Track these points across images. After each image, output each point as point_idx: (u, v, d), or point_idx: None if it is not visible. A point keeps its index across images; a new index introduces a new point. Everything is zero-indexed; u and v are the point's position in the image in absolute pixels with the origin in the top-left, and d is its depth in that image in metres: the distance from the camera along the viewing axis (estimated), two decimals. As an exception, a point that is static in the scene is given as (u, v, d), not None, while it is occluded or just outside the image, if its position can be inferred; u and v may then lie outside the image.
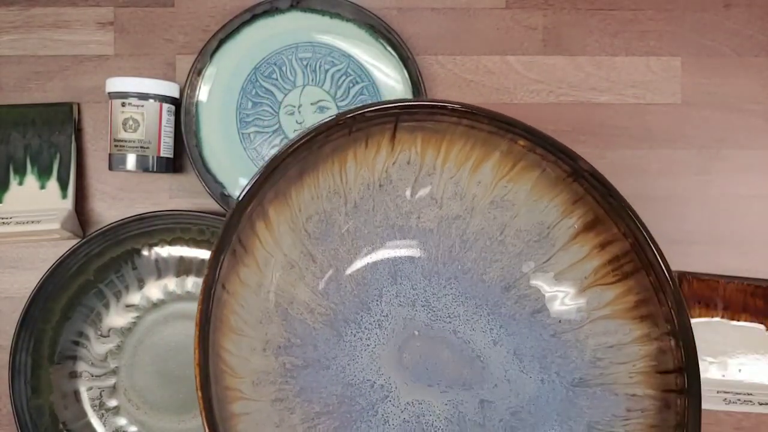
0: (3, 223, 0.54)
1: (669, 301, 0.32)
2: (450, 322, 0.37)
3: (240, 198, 0.32)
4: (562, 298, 0.36)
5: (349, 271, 0.37)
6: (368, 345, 0.36)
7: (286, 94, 0.57)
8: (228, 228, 0.32)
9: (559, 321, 0.36)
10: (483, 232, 0.37)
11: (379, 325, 0.37)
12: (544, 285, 0.36)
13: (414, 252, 0.37)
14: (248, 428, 0.32)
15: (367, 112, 0.33)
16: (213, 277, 0.32)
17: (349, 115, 0.33)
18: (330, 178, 0.36)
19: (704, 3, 0.59)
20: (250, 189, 0.32)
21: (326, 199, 0.37)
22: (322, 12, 0.57)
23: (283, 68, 0.57)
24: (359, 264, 0.37)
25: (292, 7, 0.57)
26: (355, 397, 0.36)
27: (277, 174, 0.34)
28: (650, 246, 0.32)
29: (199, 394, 0.30)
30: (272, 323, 0.36)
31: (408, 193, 0.37)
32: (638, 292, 0.33)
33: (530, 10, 0.59)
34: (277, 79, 0.58)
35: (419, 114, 0.34)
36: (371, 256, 0.37)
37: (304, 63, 0.57)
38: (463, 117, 0.34)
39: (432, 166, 0.37)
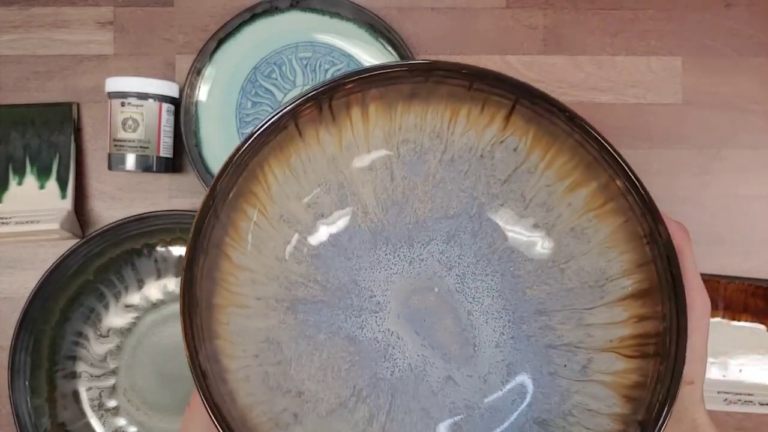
0: (2, 223, 0.53)
1: (661, 397, 0.31)
2: (471, 303, 0.37)
3: (333, 80, 0.33)
4: (581, 349, 0.36)
5: (415, 207, 0.38)
6: (391, 269, 0.37)
7: (285, 94, 0.57)
8: (318, 93, 0.33)
9: (564, 366, 0.36)
10: (551, 252, 0.37)
11: (410, 262, 0.38)
12: (573, 330, 0.36)
13: (481, 232, 0.37)
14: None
15: (493, 74, 0.33)
16: (252, 149, 0.33)
17: (471, 70, 0.33)
18: (438, 119, 0.36)
19: (705, 3, 0.59)
20: (346, 77, 0.33)
21: (428, 135, 0.37)
22: (321, 12, 0.57)
23: (283, 68, 0.57)
24: (428, 208, 0.38)
25: (291, 6, 0.57)
26: (352, 292, 0.37)
27: (384, 78, 0.34)
28: (681, 339, 0.31)
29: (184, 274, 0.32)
30: (329, 194, 0.37)
31: (503, 178, 0.37)
32: (642, 375, 0.33)
33: (531, 9, 0.59)
34: (276, 79, 0.57)
35: (538, 106, 0.34)
36: (442, 210, 0.37)
37: (304, 63, 0.57)
38: (577, 130, 0.33)
39: (534, 166, 0.36)
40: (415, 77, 0.34)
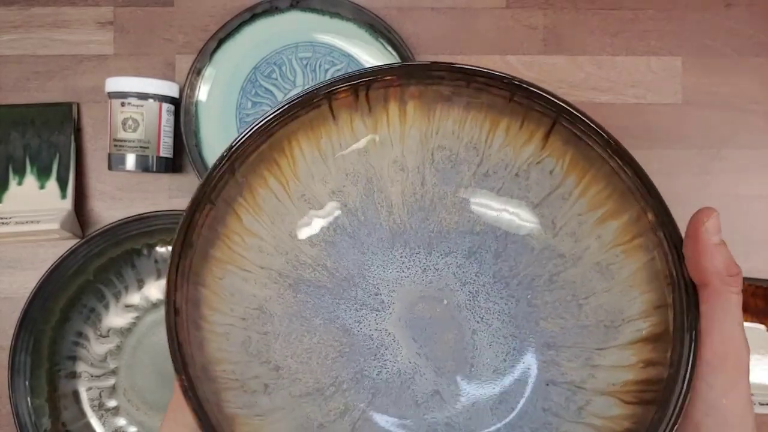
0: (2, 223, 0.53)
1: None
2: (478, 323, 0.36)
3: (371, 69, 0.32)
4: (582, 390, 0.35)
5: (442, 216, 0.37)
6: (403, 272, 0.37)
7: (285, 94, 0.57)
8: (353, 78, 0.32)
9: (560, 405, 0.35)
10: (573, 285, 0.35)
11: (424, 269, 0.37)
12: (579, 369, 0.35)
13: (504, 254, 0.36)
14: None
15: (535, 87, 0.32)
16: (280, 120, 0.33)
17: (514, 81, 0.32)
18: (477, 129, 0.35)
19: (705, 3, 0.59)
20: (385, 68, 0.33)
21: (464, 145, 0.36)
22: (322, 11, 0.57)
23: (283, 68, 0.57)
24: (454, 220, 0.37)
25: (292, 6, 0.57)
26: (358, 286, 0.37)
27: (424, 75, 0.33)
28: (682, 388, 0.30)
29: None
30: (356, 185, 0.37)
31: (536, 201, 0.36)
32: (635, 422, 0.32)
33: (531, 9, 0.59)
34: (276, 79, 0.57)
35: (577, 126, 0.33)
36: (468, 224, 0.37)
37: (304, 63, 0.57)
38: (614, 155, 0.32)
39: (568, 192, 0.35)
40: (456, 80, 0.33)
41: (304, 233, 0.36)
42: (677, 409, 0.29)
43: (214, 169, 0.32)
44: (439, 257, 0.37)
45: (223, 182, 0.33)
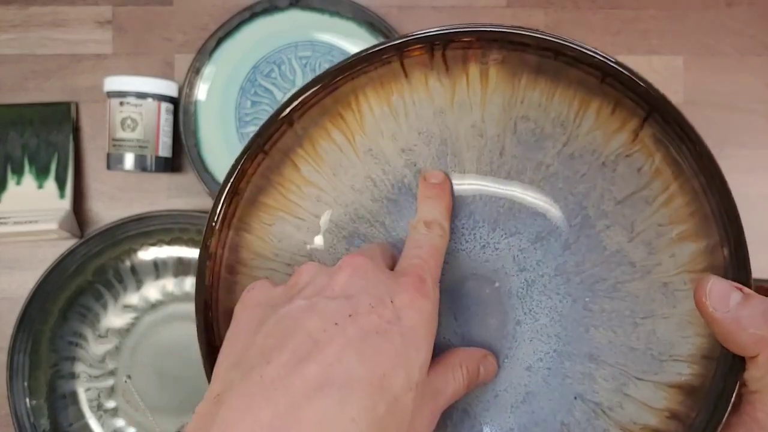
0: (1, 223, 0.53)
1: None
2: (525, 314, 0.34)
3: (447, 28, 0.31)
4: (605, 416, 0.34)
5: (515, 192, 0.34)
6: (460, 245, 0.35)
7: (285, 93, 0.57)
8: (433, 37, 0.31)
9: (579, 424, 0.33)
10: (635, 300, 0.32)
11: (483, 246, 0.34)
12: (611, 393, 0.32)
13: (574, 246, 0.33)
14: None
15: (633, 74, 0.29)
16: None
17: (607, 60, 0.29)
18: (565, 106, 0.32)
19: (706, 2, 0.59)
20: (463, 29, 0.31)
21: (551, 120, 0.33)
22: (321, 10, 0.57)
23: (283, 67, 0.57)
24: (528, 198, 0.34)
25: (291, 5, 0.57)
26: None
27: (506, 40, 0.31)
28: None
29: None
30: (429, 146, 0.35)
31: (620, 198, 0.33)
32: None
33: (531, 8, 0.59)
34: (276, 78, 0.57)
35: (671, 127, 0.30)
36: (543, 206, 0.34)
37: (304, 62, 0.57)
38: (704, 172, 0.30)
39: (653, 197, 0.32)
40: (542, 50, 0.31)
41: (367, 187, 0.35)
42: None
43: (269, 120, 0.32)
44: (502, 236, 0.34)
45: (279, 133, 0.33)
